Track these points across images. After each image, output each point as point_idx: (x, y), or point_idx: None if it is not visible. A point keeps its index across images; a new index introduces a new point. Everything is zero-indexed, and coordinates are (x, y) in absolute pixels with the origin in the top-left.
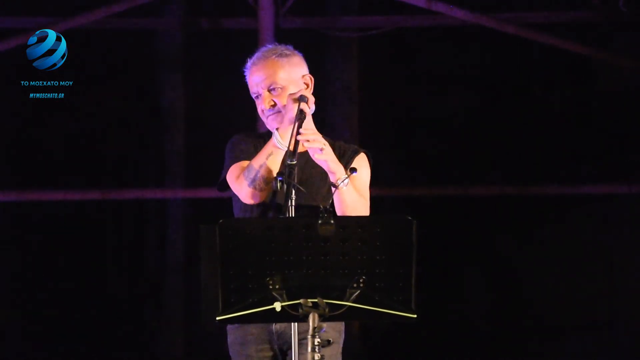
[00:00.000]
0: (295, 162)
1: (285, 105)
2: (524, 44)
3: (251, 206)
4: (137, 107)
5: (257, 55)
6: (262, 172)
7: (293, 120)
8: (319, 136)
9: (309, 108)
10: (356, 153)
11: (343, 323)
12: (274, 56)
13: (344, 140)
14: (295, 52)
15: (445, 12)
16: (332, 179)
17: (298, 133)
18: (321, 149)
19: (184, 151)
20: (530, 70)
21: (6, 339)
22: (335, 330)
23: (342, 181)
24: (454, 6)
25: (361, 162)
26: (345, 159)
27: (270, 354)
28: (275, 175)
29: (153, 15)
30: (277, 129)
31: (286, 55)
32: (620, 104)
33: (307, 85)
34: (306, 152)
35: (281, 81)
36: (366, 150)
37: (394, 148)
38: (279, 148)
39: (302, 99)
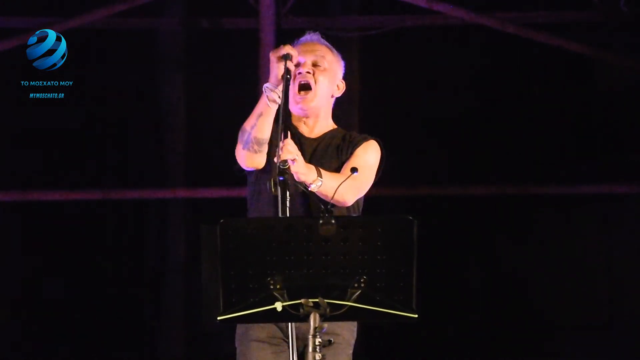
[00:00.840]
0: (287, 167)
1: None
2: (524, 44)
3: (257, 198)
4: (137, 107)
5: (315, 34)
6: (254, 133)
7: (279, 78)
8: (290, 145)
9: (293, 64)
10: (364, 140)
11: (355, 323)
12: (330, 46)
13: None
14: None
15: (446, 12)
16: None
17: (286, 92)
18: (293, 160)
19: (184, 151)
20: (530, 70)
21: (6, 339)
22: (345, 330)
23: (316, 184)
24: (454, 6)
25: (368, 147)
26: (353, 145)
27: (280, 341)
28: (266, 136)
29: (153, 15)
30: (266, 86)
31: (337, 54)
32: (620, 104)
33: (338, 87)
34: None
35: (327, 63)
36: (378, 139)
37: (394, 148)
38: (269, 107)
39: (286, 57)
